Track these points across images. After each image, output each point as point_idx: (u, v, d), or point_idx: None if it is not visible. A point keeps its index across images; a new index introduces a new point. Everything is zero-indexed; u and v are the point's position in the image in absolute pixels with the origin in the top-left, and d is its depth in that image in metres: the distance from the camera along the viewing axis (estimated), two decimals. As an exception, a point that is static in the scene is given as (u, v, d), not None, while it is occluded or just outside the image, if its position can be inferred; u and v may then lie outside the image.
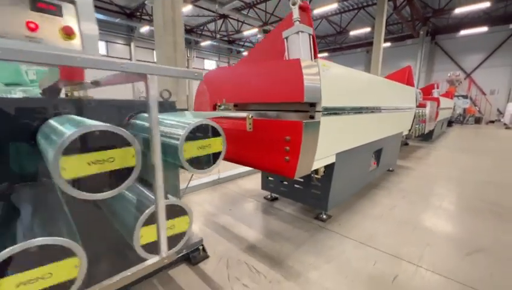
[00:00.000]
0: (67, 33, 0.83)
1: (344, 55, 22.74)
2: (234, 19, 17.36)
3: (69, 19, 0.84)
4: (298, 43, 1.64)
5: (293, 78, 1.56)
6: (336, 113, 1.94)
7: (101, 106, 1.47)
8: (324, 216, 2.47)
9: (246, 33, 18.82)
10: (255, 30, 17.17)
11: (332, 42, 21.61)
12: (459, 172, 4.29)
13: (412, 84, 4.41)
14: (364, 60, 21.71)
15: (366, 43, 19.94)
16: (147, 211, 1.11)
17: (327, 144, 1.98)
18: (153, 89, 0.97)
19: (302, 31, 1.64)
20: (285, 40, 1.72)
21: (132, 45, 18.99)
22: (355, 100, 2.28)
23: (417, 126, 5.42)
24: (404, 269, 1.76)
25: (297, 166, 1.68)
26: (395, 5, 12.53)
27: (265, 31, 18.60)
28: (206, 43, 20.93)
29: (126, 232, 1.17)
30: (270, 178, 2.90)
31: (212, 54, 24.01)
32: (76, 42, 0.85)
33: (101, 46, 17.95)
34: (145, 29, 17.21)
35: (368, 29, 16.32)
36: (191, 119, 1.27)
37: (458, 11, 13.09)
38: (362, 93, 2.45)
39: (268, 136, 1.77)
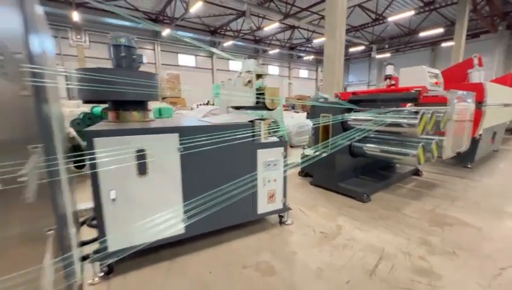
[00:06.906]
0: (436, 83, 3.01)
1: (406, 54, 23.01)
2: (304, 29, 19.51)
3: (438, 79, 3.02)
4: (478, 76, 3.64)
5: (479, 90, 3.56)
6: (488, 107, 3.85)
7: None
8: (469, 166, 4.35)
9: (316, 41, 20.82)
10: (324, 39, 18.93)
11: (396, 43, 22.15)
12: (556, 152, 5.63)
13: (512, 86, 5.89)
14: (429, 58, 21.79)
15: (431, 43, 20.20)
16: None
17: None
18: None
19: (479, 70, 3.63)
20: (469, 73, 3.73)
21: (214, 57, 22.64)
22: (493, 99, 4.13)
23: (514, 119, 6.76)
24: (533, 182, 3.60)
25: (476, 131, 3.67)
26: (475, 7, 13.08)
27: (332, 38, 20.37)
28: (274, 51, 23.51)
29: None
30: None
31: (275, 60, 26.42)
32: (440, 87, 3.03)
33: (191, 60, 21.83)
34: (228, 43, 20.52)
35: (440, 30, 16.70)
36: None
37: (546, 6, 12.94)
38: (495, 94, 4.28)
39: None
